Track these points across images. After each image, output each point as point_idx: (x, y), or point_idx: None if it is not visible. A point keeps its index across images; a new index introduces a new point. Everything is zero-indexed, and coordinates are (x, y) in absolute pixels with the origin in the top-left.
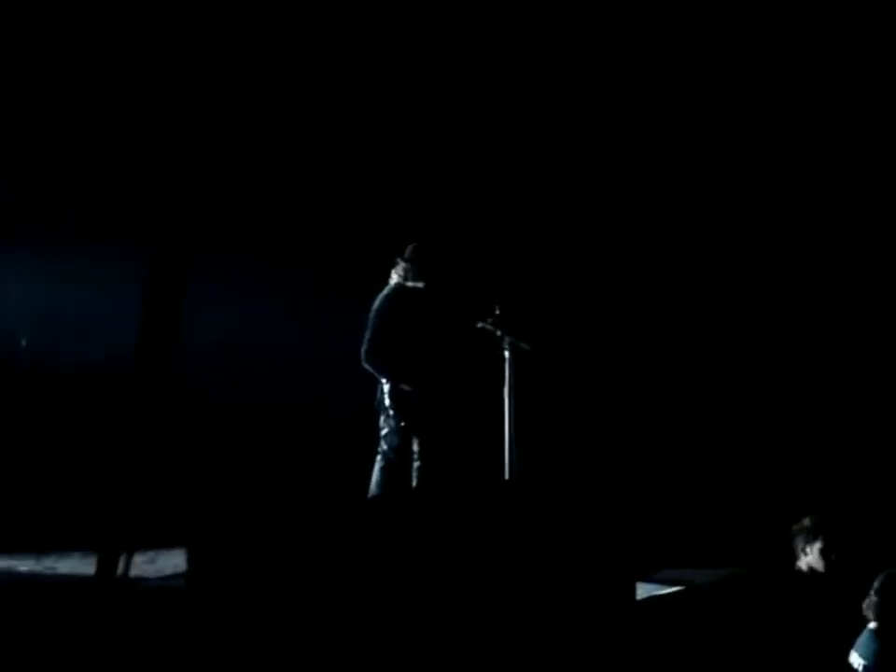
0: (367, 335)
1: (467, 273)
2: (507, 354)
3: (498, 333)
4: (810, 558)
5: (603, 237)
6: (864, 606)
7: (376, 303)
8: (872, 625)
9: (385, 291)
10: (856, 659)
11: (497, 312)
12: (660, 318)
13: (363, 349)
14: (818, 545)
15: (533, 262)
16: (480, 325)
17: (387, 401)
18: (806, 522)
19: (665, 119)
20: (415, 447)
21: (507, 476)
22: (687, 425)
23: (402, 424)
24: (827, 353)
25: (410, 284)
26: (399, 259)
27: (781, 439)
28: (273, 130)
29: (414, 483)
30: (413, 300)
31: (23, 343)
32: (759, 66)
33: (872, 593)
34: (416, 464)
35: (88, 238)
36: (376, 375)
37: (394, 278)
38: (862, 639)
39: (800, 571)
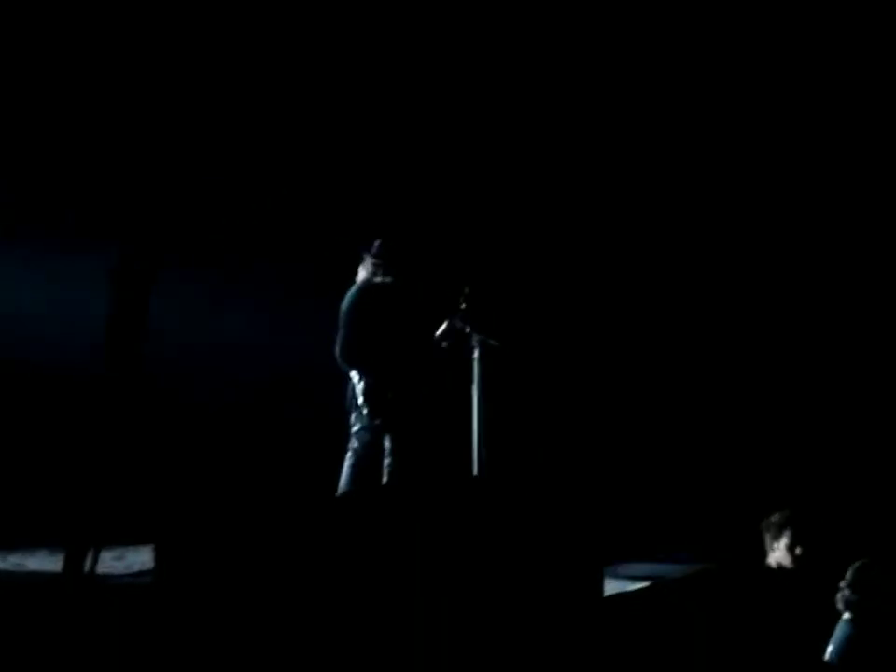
0: (341, 334)
1: (436, 266)
2: (476, 351)
3: (467, 330)
4: (777, 554)
5: (571, 232)
6: (837, 598)
7: (346, 301)
8: (846, 616)
9: (355, 288)
10: (829, 649)
11: (463, 306)
12: (624, 312)
13: (338, 348)
14: (784, 541)
15: (503, 258)
16: (448, 322)
17: (360, 399)
18: (774, 518)
19: (622, 106)
20: (387, 444)
21: (475, 473)
22: (658, 420)
23: (376, 422)
24: (795, 344)
25: (378, 279)
26: (365, 255)
27: (753, 434)
28: (253, 130)
29: (385, 481)
30: (384, 295)
31: None
32: (758, 66)
33: (844, 585)
34: (387, 461)
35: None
36: (353, 373)
37: (362, 274)
38: (837, 630)
39: (769, 567)
